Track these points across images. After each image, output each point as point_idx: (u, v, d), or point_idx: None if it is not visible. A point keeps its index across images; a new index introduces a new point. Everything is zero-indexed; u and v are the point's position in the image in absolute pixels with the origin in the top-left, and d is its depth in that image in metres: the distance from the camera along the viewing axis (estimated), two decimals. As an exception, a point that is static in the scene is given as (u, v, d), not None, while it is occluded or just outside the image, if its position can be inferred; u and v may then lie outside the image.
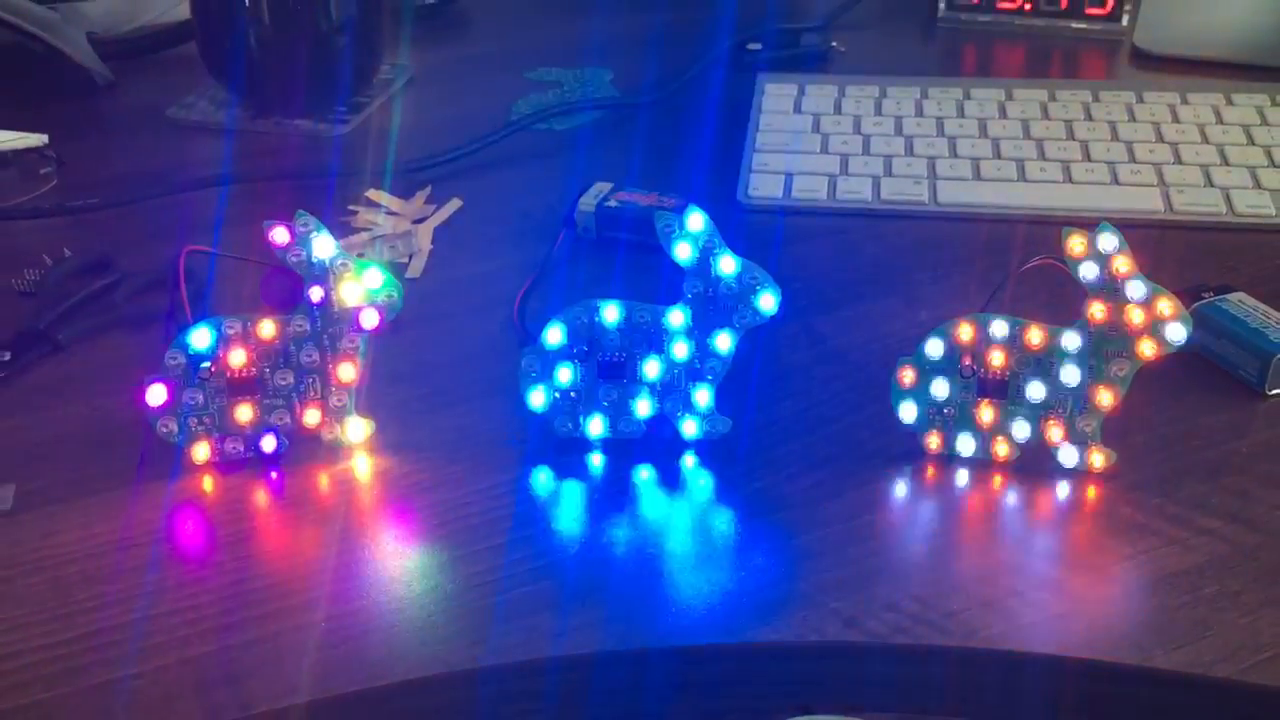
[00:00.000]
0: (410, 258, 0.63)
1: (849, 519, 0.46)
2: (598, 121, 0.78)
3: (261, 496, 0.48)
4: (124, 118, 0.80)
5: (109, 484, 0.48)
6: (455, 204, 0.67)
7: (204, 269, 0.58)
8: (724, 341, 0.48)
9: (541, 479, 0.49)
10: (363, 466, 0.49)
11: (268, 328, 0.48)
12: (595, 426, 0.50)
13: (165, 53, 0.87)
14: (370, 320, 0.49)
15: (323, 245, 0.48)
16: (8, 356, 0.55)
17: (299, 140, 0.76)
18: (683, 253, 0.47)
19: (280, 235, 0.47)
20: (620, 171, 0.67)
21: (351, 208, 0.67)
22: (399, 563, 0.45)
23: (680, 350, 0.48)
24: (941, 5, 0.91)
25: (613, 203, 0.64)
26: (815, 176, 0.68)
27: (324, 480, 0.49)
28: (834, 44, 0.86)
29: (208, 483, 0.49)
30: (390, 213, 0.67)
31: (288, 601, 0.43)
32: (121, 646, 0.41)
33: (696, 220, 0.47)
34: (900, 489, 0.48)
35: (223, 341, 0.48)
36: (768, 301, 0.47)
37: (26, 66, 0.86)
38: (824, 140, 0.71)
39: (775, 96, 0.76)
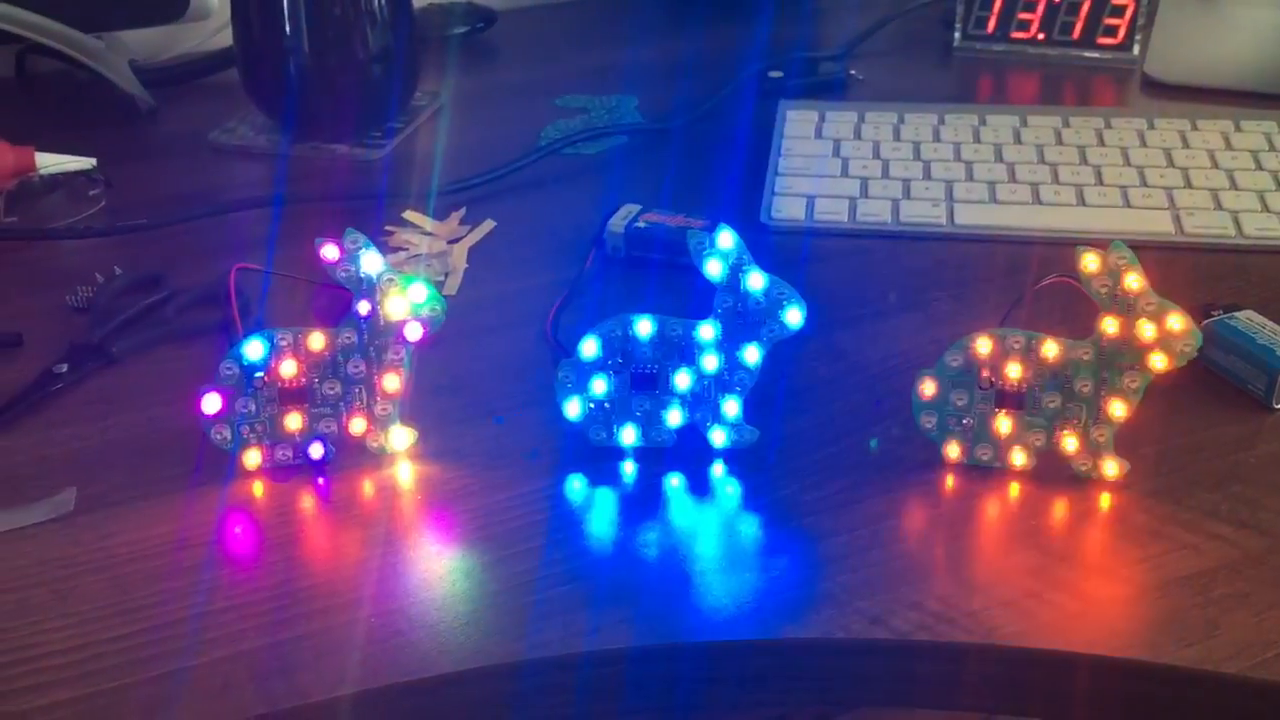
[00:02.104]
0: (446, 276, 0.66)
1: (872, 524, 0.48)
2: (625, 146, 0.80)
3: (309, 501, 0.50)
4: (167, 142, 0.83)
5: (165, 488, 0.50)
6: (489, 225, 0.70)
7: (251, 285, 0.60)
8: (752, 354, 0.50)
9: (576, 486, 0.51)
10: (405, 473, 0.52)
11: (317, 340, 0.51)
12: (628, 436, 0.52)
13: (204, 80, 0.91)
14: (414, 333, 0.51)
15: (371, 261, 0.50)
16: (65, 368, 0.57)
17: (337, 164, 0.79)
18: (714, 269, 0.50)
19: (331, 252, 0.50)
20: (647, 194, 0.70)
21: (389, 228, 0.70)
22: (441, 564, 0.47)
23: (710, 363, 0.51)
24: (956, 35, 0.93)
25: (641, 223, 0.66)
26: (836, 199, 0.70)
27: (368, 486, 0.51)
28: (852, 72, 0.89)
29: (258, 487, 0.51)
30: (426, 233, 0.69)
31: (335, 599, 0.45)
32: (180, 640, 0.43)
33: (727, 238, 0.49)
34: (921, 496, 0.50)
35: (275, 352, 0.51)
36: (794, 316, 0.50)
37: (73, 93, 0.89)
38: (844, 164, 0.73)
39: (797, 122, 0.78)
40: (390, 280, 0.50)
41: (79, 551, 0.47)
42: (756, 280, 0.50)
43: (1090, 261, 0.48)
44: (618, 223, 0.67)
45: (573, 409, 0.52)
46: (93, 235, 0.69)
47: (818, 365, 0.57)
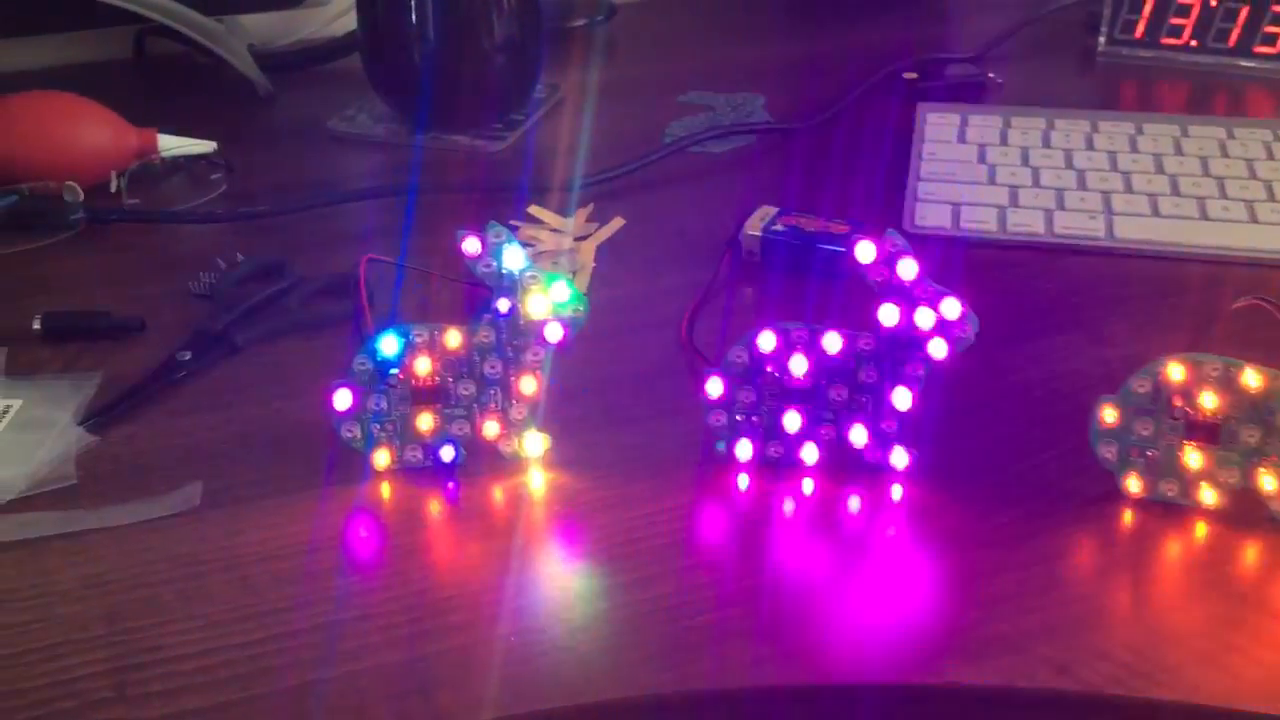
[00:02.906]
0: (574, 274, 0.63)
1: (1047, 561, 0.44)
2: (753, 146, 0.77)
3: (439, 506, 0.48)
4: (285, 128, 0.82)
5: (292, 485, 0.48)
6: (618, 222, 0.67)
7: (376, 278, 0.58)
8: (914, 371, 0.47)
9: (721, 503, 0.48)
10: (538, 481, 0.49)
11: (454, 337, 0.48)
12: (775, 451, 0.49)
13: (322, 67, 0.89)
14: (555, 334, 0.48)
15: (513, 257, 0.48)
16: (188, 356, 0.56)
17: (457, 156, 0.76)
18: (869, 265, 0.46)
19: (472, 245, 0.47)
20: (778, 196, 0.67)
21: (513, 223, 0.68)
22: (579, 582, 0.44)
23: (869, 377, 0.47)
24: (1101, 39, 0.88)
25: (779, 227, 0.63)
26: (984, 207, 0.66)
27: (499, 493, 0.49)
28: (990, 75, 0.84)
29: (386, 489, 0.49)
30: (552, 229, 0.67)
31: (472, 614, 0.42)
32: (312, 650, 0.41)
33: (867, 250, 0.46)
34: (1101, 532, 0.46)
35: (409, 349, 0.48)
36: (952, 309, 0.46)
37: (191, 77, 0.88)
38: (990, 171, 0.69)
39: (938, 126, 0.74)
40: (533, 278, 0.48)
41: (206, 549, 0.45)
42: (909, 268, 0.46)
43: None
44: (754, 225, 0.63)
45: (718, 421, 0.49)
46: (216, 220, 0.68)
47: (977, 384, 0.53)
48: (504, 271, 0.48)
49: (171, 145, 0.73)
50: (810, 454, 0.48)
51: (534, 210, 0.68)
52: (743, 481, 0.48)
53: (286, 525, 0.46)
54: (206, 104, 0.84)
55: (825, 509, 0.47)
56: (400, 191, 0.70)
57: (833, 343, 0.47)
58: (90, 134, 0.71)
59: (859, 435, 0.48)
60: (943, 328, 0.46)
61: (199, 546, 0.45)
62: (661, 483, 0.48)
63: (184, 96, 0.86)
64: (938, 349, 0.46)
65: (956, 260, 0.63)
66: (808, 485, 0.48)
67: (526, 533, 0.47)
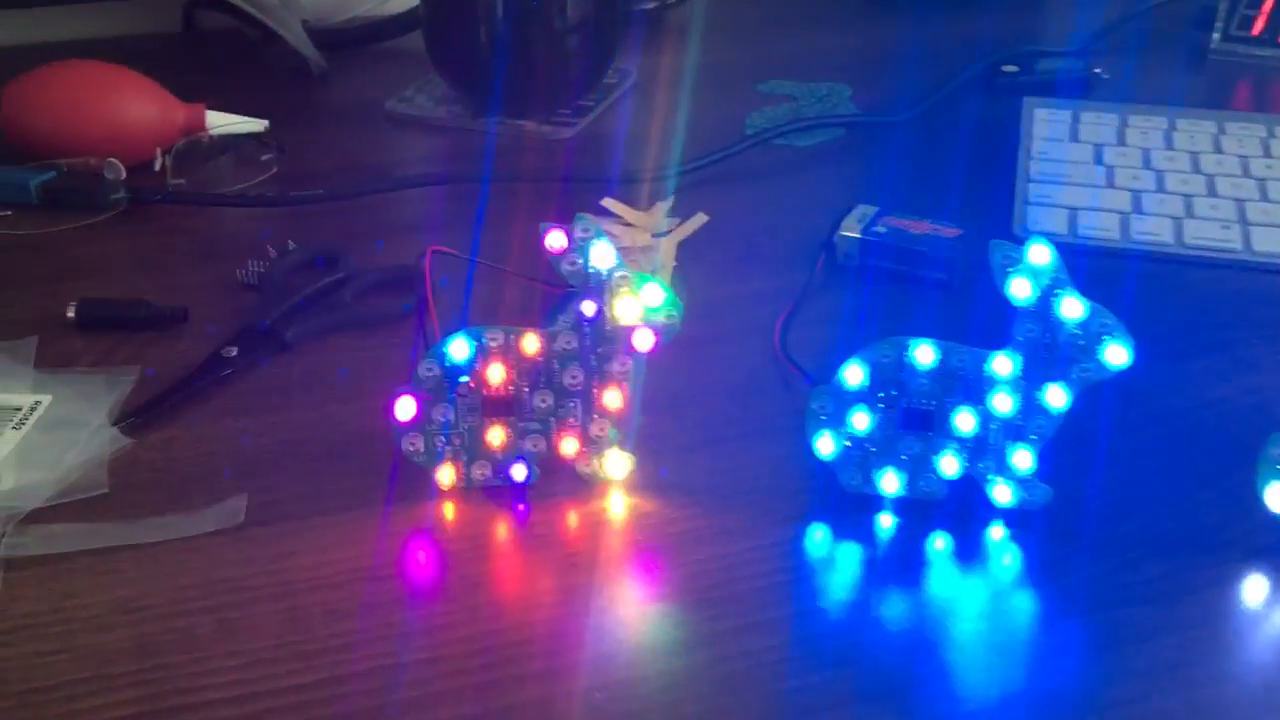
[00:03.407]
0: (652, 275, 0.58)
1: (1211, 624, 0.38)
2: (841, 140, 0.72)
3: (509, 532, 0.43)
4: (340, 109, 0.77)
5: (347, 502, 0.43)
6: (701, 219, 0.61)
7: (442, 272, 0.53)
8: (1056, 396, 0.41)
9: (826, 540, 0.42)
10: (620, 507, 0.44)
11: (532, 343, 0.43)
12: (890, 483, 0.43)
13: (380, 45, 0.84)
14: (645, 342, 0.43)
15: (602, 255, 0.42)
16: (234, 353, 0.51)
17: (524, 141, 0.71)
18: (1020, 290, 0.40)
19: (557, 240, 0.42)
20: (870, 194, 0.61)
21: (581, 214, 0.62)
22: (670, 628, 0.39)
23: (1002, 403, 0.41)
24: (1215, 35, 0.82)
25: (880, 228, 0.58)
26: (1104, 213, 0.60)
27: (575, 518, 0.43)
28: (1097, 70, 0.78)
29: (450, 510, 0.43)
30: (627, 224, 0.61)
31: (551, 662, 0.37)
32: (371, 697, 0.36)
33: (1042, 253, 0.40)
34: (1275, 590, 0.40)
35: (481, 354, 0.43)
36: (1117, 355, 0.40)
37: (241, 52, 0.84)
38: (1109, 173, 0.63)
39: (1047, 123, 0.68)
40: (623, 279, 0.42)
41: (250, 574, 0.40)
42: (1074, 307, 0.40)
43: None
44: (852, 226, 0.58)
45: (825, 446, 0.43)
46: (266, 204, 0.63)
47: (1109, 414, 0.47)
48: (591, 270, 0.42)
49: (220, 123, 0.68)
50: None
51: (609, 203, 0.63)
52: (858, 517, 0.43)
53: (340, 548, 0.41)
54: (257, 81, 0.79)
55: (942, 554, 0.42)
56: (465, 178, 0.65)
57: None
58: (135, 108, 0.66)
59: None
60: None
61: (242, 571, 0.40)
62: (763, 513, 0.43)
63: (234, 73, 0.81)
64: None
65: (1076, 271, 0.57)
66: (888, 521, 0.43)
67: (608, 567, 0.41)
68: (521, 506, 0.44)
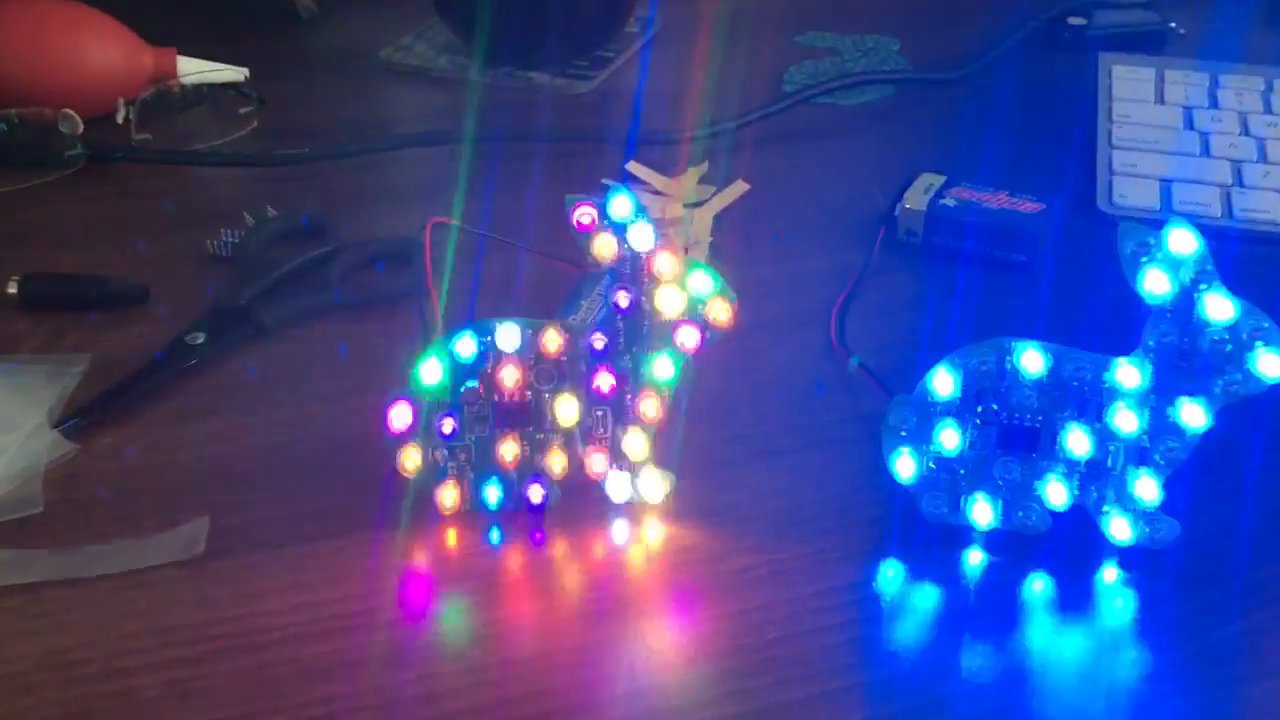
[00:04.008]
0: (686, 250, 0.50)
1: None
2: (891, 99, 0.64)
3: (524, 569, 0.36)
4: (330, 58, 0.69)
5: (330, 528, 0.36)
6: (741, 187, 0.54)
7: (446, 246, 0.46)
8: (1193, 414, 0.34)
9: (901, 584, 0.35)
10: (657, 536, 0.37)
11: (554, 339, 0.36)
12: (982, 513, 0.36)
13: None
14: (691, 339, 0.36)
15: (640, 235, 0.35)
16: (201, 339, 0.44)
17: (536, 97, 0.63)
18: (1156, 285, 0.33)
19: (587, 215, 0.35)
20: (928, 160, 0.54)
21: (606, 182, 0.54)
22: (718, 691, 0.32)
23: (1126, 421, 0.34)
24: (1301, -13, 0.74)
25: (949, 200, 0.50)
26: (1204, 187, 0.52)
27: (601, 551, 0.36)
28: (1173, 25, 0.70)
29: (454, 539, 0.36)
30: (656, 192, 0.54)
31: (578, 737, 0.30)
32: (354, 787, 0.29)
33: (1186, 240, 0.33)
34: None
35: (491, 353, 0.36)
36: (1273, 365, 0.33)
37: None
38: (1204, 140, 0.56)
39: (1128, 82, 0.60)
40: (667, 263, 0.35)
41: (210, 620, 0.33)
42: (1221, 307, 0.33)
43: None
44: (916, 198, 0.50)
45: (905, 468, 0.36)
46: (244, 165, 0.55)
47: (1267, 433, 0.40)
48: (628, 253, 0.35)
49: (193, 70, 0.61)
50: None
51: (635, 168, 0.55)
52: (944, 554, 0.36)
53: (321, 588, 0.34)
54: (238, 25, 0.70)
55: (1044, 599, 0.35)
56: (469, 138, 0.57)
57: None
58: (96, 51, 0.58)
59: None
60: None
61: (201, 615, 0.33)
62: (829, 547, 0.36)
63: (210, 14, 0.73)
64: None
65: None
66: (978, 557, 0.36)
67: (643, 615, 0.34)
68: (539, 535, 0.36)
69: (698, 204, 0.53)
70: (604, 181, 0.34)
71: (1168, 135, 0.56)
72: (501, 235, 0.45)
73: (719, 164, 0.56)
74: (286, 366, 0.43)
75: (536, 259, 0.44)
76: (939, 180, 0.51)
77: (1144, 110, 0.58)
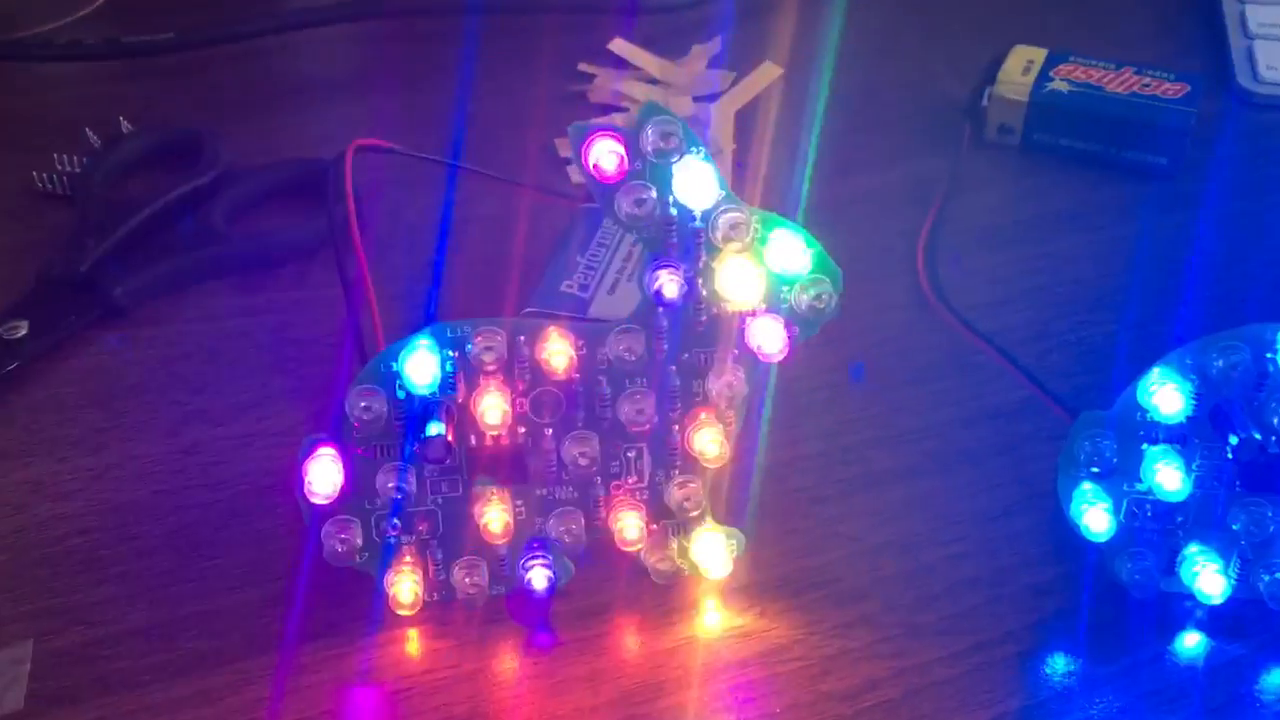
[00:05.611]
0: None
1: None
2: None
3: (524, 692, 0.23)
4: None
5: (219, 642, 0.23)
6: (773, 71, 0.40)
7: (372, 173, 0.31)
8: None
9: (1089, 688, 0.23)
10: (717, 624, 0.24)
11: (558, 349, 0.23)
12: (1211, 582, 0.24)
13: None
14: (774, 341, 0.23)
15: (698, 180, 0.22)
16: (23, 331, 0.30)
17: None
18: None
19: (608, 158, 0.21)
20: (1016, 26, 0.42)
21: (583, 67, 0.40)
22: None
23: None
24: None
25: (1058, 83, 0.37)
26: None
27: (637, 652, 0.24)
28: None
29: (416, 649, 0.24)
30: (652, 79, 0.40)
31: None
32: None
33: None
34: None
35: (464, 371, 0.23)
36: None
37: None
38: (1363, -10, 0.43)
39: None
40: (737, 224, 0.22)
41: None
42: None
43: None
44: (1013, 82, 0.37)
45: (1097, 521, 0.24)
46: (84, 58, 0.41)
47: None
48: (675, 210, 0.22)
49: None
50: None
51: (618, 46, 0.41)
52: (1139, 641, 0.24)
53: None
54: None
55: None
56: (386, 13, 0.42)
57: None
58: None
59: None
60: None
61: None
62: (969, 634, 0.24)
63: None
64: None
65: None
66: (1194, 640, 0.24)
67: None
68: (544, 638, 0.24)
69: (710, 97, 0.39)
70: (583, 124, 0.21)
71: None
72: (460, 160, 0.31)
73: (735, 41, 0.42)
74: (147, 365, 0.30)
75: (514, 192, 0.31)
76: (1039, 55, 0.38)
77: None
